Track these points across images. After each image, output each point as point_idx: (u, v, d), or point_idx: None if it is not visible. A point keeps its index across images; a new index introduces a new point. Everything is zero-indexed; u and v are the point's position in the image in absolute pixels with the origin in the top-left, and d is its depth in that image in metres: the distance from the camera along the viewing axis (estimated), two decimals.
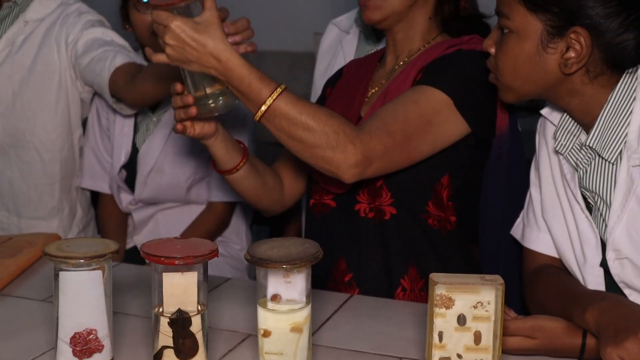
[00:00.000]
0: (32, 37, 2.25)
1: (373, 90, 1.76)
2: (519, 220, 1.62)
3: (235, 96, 1.54)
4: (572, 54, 1.34)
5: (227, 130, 1.75)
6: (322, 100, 1.90)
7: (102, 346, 1.17)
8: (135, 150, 2.31)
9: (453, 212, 1.70)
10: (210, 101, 1.56)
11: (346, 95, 1.80)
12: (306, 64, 2.47)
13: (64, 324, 1.16)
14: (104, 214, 2.44)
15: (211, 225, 2.33)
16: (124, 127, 2.30)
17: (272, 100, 1.44)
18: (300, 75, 3.57)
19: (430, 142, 1.59)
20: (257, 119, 1.46)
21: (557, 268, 1.51)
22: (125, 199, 2.37)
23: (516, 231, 1.62)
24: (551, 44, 1.36)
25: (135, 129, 2.33)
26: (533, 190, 1.57)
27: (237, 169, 1.69)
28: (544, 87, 1.41)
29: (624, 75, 1.37)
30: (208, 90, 1.55)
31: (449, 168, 1.66)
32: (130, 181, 2.33)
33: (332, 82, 1.92)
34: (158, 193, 2.30)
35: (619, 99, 1.37)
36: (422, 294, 1.67)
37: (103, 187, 2.40)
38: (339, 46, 2.36)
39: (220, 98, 1.57)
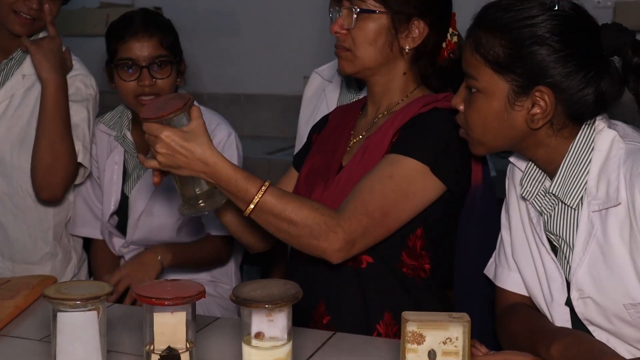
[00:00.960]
0: (31, 91, 2.24)
1: (355, 140, 1.77)
2: (491, 260, 1.64)
3: (223, 195, 1.59)
4: (537, 110, 1.38)
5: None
6: (308, 146, 1.92)
7: None
8: (124, 198, 2.31)
9: (427, 261, 1.70)
10: (200, 201, 1.62)
11: (330, 142, 1.81)
12: (297, 107, 2.52)
13: None
14: (96, 258, 2.42)
15: (206, 255, 2.32)
16: (113, 176, 2.30)
17: (258, 198, 1.50)
18: (291, 118, 3.62)
19: (409, 210, 1.61)
20: (247, 214, 1.53)
21: (526, 306, 1.53)
22: (117, 243, 2.36)
23: (489, 271, 1.64)
24: (517, 102, 1.40)
25: (125, 177, 2.33)
26: (504, 232, 1.60)
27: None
28: (512, 140, 1.45)
29: (583, 126, 1.41)
30: (197, 191, 1.62)
31: (423, 222, 1.66)
32: (121, 226, 2.33)
33: (318, 128, 1.93)
34: (149, 235, 2.28)
35: (579, 148, 1.41)
36: (397, 338, 1.61)
37: (95, 234, 2.40)
38: (322, 94, 2.38)
39: (209, 198, 1.63)
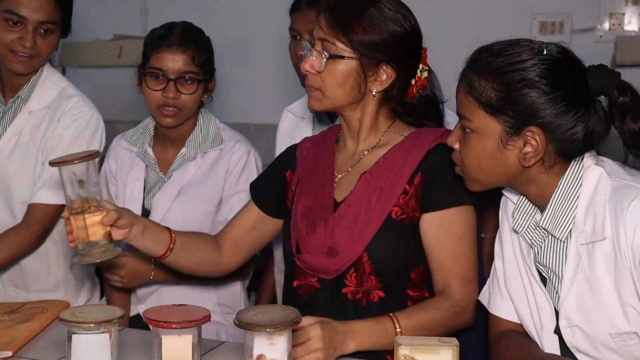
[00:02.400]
0: (39, 126, 2.25)
1: (340, 176, 1.76)
2: (485, 287, 1.66)
3: (116, 251, 1.64)
4: (529, 149, 1.40)
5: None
6: (284, 185, 1.87)
7: None
8: (145, 211, 2.27)
9: (426, 290, 1.71)
10: (95, 251, 1.63)
11: (315, 179, 1.78)
12: None
13: None
14: (109, 283, 2.34)
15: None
16: (134, 191, 2.30)
17: (399, 330, 1.54)
18: None
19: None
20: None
21: (518, 333, 1.55)
22: None
23: (483, 297, 1.65)
24: (510, 141, 1.41)
25: (145, 191, 2.31)
26: (497, 261, 1.62)
27: (165, 256, 1.77)
28: (506, 178, 1.47)
29: (572, 162, 1.43)
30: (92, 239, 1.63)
31: (426, 258, 1.69)
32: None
33: (290, 166, 1.87)
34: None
35: (568, 184, 1.43)
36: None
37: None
38: (295, 130, 2.43)
39: (105, 251, 1.64)
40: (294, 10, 2.23)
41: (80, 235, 1.61)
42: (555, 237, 1.46)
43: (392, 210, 1.67)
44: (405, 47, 1.68)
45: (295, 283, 1.76)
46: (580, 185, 1.44)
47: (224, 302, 2.34)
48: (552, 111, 1.39)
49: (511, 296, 1.58)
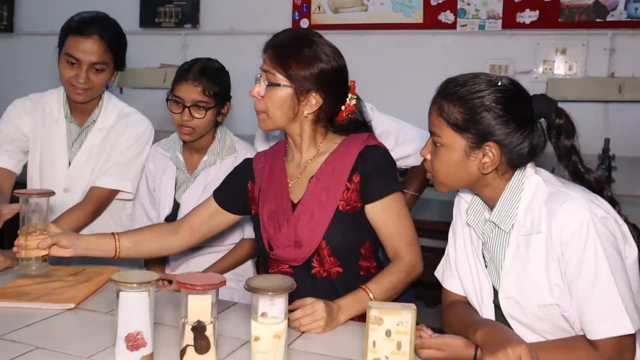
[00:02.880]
0: (107, 139, 2.26)
1: (292, 182, 1.74)
2: (439, 266, 1.67)
3: (47, 269, 1.72)
4: (487, 160, 1.41)
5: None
6: (245, 192, 1.84)
7: (146, 343, 1.24)
8: (176, 204, 2.28)
9: (374, 260, 1.76)
10: (34, 267, 1.72)
11: (273, 188, 1.76)
12: None
13: (121, 328, 1.23)
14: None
15: (238, 256, 2.32)
16: (167, 187, 2.30)
17: (371, 297, 1.60)
18: None
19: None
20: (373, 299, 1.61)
21: (463, 303, 1.57)
22: None
23: (438, 273, 1.67)
24: (472, 154, 1.42)
25: (176, 187, 2.31)
26: (450, 247, 1.63)
27: (116, 256, 1.79)
28: (468, 182, 1.47)
29: (517, 171, 1.45)
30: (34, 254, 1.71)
31: (369, 234, 1.72)
32: None
33: (250, 177, 1.84)
34: None
35: (513, 188, 1.45)
36: (363, 322, 1.65)
37: None
38: (270, 135, 2.40)
39: (42, 268, 1.73)
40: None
41: (20, 252, 1.71)
42: (501, 229, 1.46)
43: (339, 205, 1.67)
44: (331, 80, 1.67)
45: (270, 271, 1.77)
46: (522, 189, 1.45)
47: (237, 272, 2.36)
48: (505, 130, 1.40)
49: (460, 275, 1.59)
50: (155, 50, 4.49)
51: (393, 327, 1.22)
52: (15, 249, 1.73)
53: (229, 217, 1.86)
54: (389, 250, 1.70)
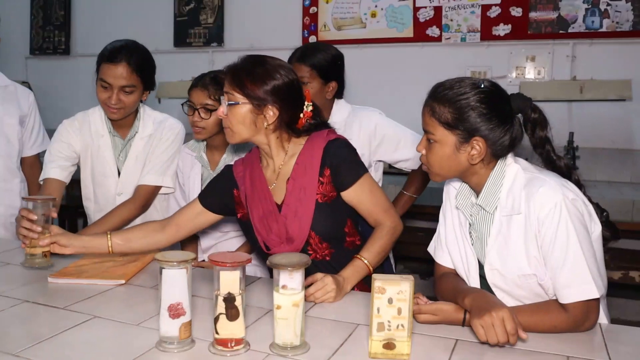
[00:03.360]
0: (149, 145, 2.22)
1: (272, 186, 1.68)
2: (432, 243, 1.64)
3: (47, 263, 1.77)
4: (474, 152, 1.39)
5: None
6: (232, 198, 1.75)
7: (185, 312, 1.23)
8: None
9: (357, 234, 1.72)
10: (38, 261, 1.77)
11: (257, 194, 1.69)
12: None
13: (164, 299, 1.23)
14: (184, 239, 2.35)
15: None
16: (195, 183, 2.27)
17: (366, 262, 1.61)
18: None
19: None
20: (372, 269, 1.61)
21: (453, 274, 1.56)
22: None
23: (430, 249, 1.65)
24: (461, 148, 1.40)
25: (202, 183, 2.26)
26: (440, 228, 1.61)
27: (110, 252, 1.74)
28: (458, 172, 1.45)
29: (499, 161, 1.44)
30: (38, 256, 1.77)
31: (348, 213, 1.68)
32: None
33: (234, 185, 1.75)
34: (218, 223, 2.13)
35: (496, 175, 1.43)
36: (366, 291, 1.62)
37: None
38: None
39: (38, 261, 1.78)
40: (288, 62, 2.14)
41: (26, 248, 1.78)
42: (486, 210, 1.45)
43: (317, 198, 1.63)
44: (284, 93, 1.59)
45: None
46: (504, 176, 1.43)
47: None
48: (489, 126, 1.38)
49: (449, 251, 1.57)
50: (186, 66, 4.48)
51: (394, 295, 1.21)
52: (22, 245, 1.78)
53: (212, 217, 1.78)
54: (371, 220, 1.68)
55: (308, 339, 1.28)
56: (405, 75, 3.93)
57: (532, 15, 3.69)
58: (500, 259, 1.42)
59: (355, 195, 1.64)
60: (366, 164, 2.20)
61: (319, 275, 1.56)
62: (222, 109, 1.61)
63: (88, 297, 1.56)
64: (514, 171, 1.43)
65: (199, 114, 2.13)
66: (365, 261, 1.61)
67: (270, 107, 1.59)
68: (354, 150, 1.68)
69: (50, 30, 5.00)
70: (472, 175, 1.46)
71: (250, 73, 1.58)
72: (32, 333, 1.32)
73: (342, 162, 1.63)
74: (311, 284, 1.55)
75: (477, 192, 1.48)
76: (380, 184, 2.35)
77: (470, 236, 1.51)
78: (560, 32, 3.64)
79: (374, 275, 1.22)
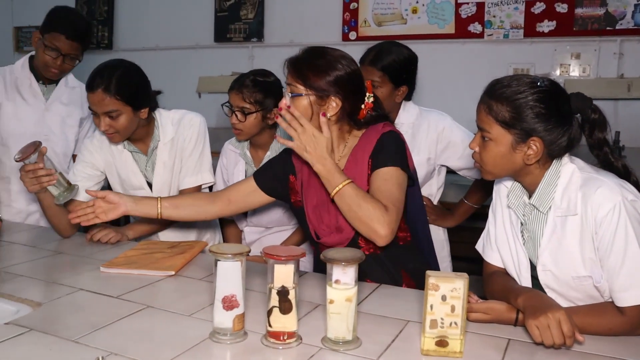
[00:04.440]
0: (174, 148, 2.17)
1: None
2: (480, 240, 1.61)
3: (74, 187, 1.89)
4: (531, 152, 1.35)
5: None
6: (287, 183, 1.75)
7: (239, 304, 1.24)
8: None
9: (407, 230, 1.69)
10: (66, 193, 1.89)
11: (313, 185, 1.67)
12: None
13: (219, 291, 1.23)
14: (227, 232, 2.44)
15: (303, 235, 2.23)
16: (239, 178, 2.27)
17: (342, 186, 1.50)
18: None
19: (403, 194, 1.58)
20: (331, 197, 1.53)
21: (503, 272, 1.53)
22: (241, 223, 2.37)
23: (478, 247, 1.62)
24: (518, 148, 1.36)
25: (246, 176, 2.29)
26: (490, 226, 1.57)
27: (159, 215, 1.76)
28: (512, 171, 1.41)
29: (554, 161, 1.40)
30: (63, 189, 1.88)
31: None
32: (244, 212, 2.24)
33: (291, 170, 1.75)
34: (262, 217, 2.29)
35: (551, 175, 1.39)
36: (411, 284, 1.66)
37: (229, 217, 2.36)
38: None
39: (69, 191, 1.90)
40: (360, 63, 2.13)
41: (51, 188, 1.89)
42: (539, 211, 1.42)
43: (367, 190, 1.59)
44: (346, 83, 1.58)
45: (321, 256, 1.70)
46: (559, 176, 1.40)
47: (303, 247, 2.30)
48: (547, 126, 1.34)
49: (499, 250, 1.54)
50: (227, 61, 4.52)
51: (448, 292, 1.19)
52: (72, 219, 1.81)
53: (264, 198, 1.78)
54: None
55: (359, 334, 1.27)
56: (446, 73, 3.88)
57: (578, 11, 3.61)
58: (553, 260, 1.39)
59: (372, 180, 1.58)
60: (431, 168, 2.20)
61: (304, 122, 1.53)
62: (285, 101, 1.60)
63: (140, 287, 1.58)
64: (569, 171, 1.39)
65: (236, 116, 2.13)
66: (339, 184, 1.51)
67: (333, 98, 1.58)
68: (402, 144, 1.64)
69: (94, 25, 5.09)
70: (527, 175, 1.42)
71: (312, 64, 1.58)
72: (88, 321, 1.35)
73: (382, 149, 1.60)
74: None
75: (531, 191, 1.44)
76: (441, 191, 2.33)
77: (522, 236, 1.47)
78: (608, 28, 3.56)
79: (428, 272, 1.22)
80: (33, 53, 2.44)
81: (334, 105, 1.59)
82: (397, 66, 2.13)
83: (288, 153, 1.78)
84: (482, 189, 2.25)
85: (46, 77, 2.40)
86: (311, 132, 1.52)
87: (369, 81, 1.69)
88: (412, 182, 1.66)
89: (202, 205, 1.81)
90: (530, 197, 1.45)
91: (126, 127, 1.99)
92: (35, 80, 2.44)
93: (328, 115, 1.58)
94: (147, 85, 2.07)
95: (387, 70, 2.11)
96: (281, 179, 1.76)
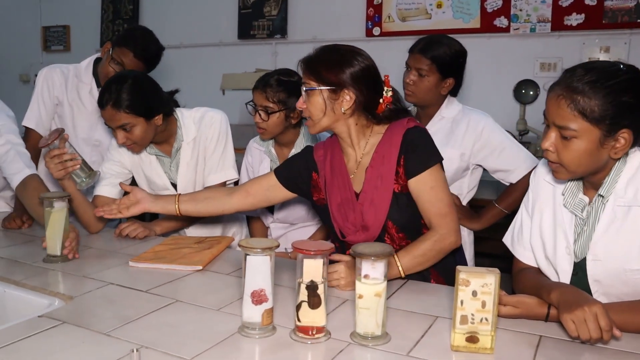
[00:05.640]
0: (197, 147, 2.17)
1: (352, 175, 1.67)
2: (509, 233, 1.56)
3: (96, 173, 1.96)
4: (619, 145, 1.26)
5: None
6: (309, 181, 1.75)
7: (268, 299, 1.24)
8: None
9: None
10: (89, 179, 1.96)
11: (336, 182, 1.68)
12: None
13: (248, 285, 1.23)
14: (254, 228, 2.46)
15: (329, 231, 2.20)
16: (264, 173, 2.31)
17: (400, 267, 1.55)
18: None
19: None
20: (404, 275, 1.56)
21: (534, 269, 1.49)
22: (267, 219, 2.39)
23: (506, 240, 1.56)
24: (606, 142, 1.26)
25: None
26: (524, 224, 1.51)
27: (177, 210, 1.77)
28: (596, 168, 1.31)
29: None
30: (84, 175, 1.95)
31: None
32: (270, 208, 2.31)
33: (313, 167, 1.75)
34: (288, 214, 2.30)
35: (619, 165, 1.32)
36: (440, 280, 1.67)
37: (253, 213, 2.41)
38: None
39: (90, 177, 1.96)
40: (409, 51, 2.14)
41: (74, 175, 1.94)
42: (602, 200, 1.35)
43: (394, 188, 1.60)
44: (360, 77, 1.57)
45: (347, 252, 1.64)
46: (626, 163, 1.32)
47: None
48: (637, 115, 1.25)
49: (533, 249, 1.49)
50: (251, 57, 4.54)
51: (478, 288, 1.17)
52: (99, 213, 1.84)
53: (285, 193, 1.78)
54: (426, 221, 1.61)
55: (388, 329, 1.27)
56: (471, 67, 3.81)
57: (608, 4, 3.53)
58: (607, 251, 1.33)
59: (416, 186, 1.58)
60: (463, 165, 2.16)
61: (344, 257, 1.56)
62: (301, 100, 1.61)
63: (168, 282, 1.60)
64: (638, 159, 1.32)
65: (260, 115, 2.14)
66: (399, 265, 1.56)
67: (347, 92, 1.57)
68: (431, 139, 1.63)
69: (120, 23, 5.15)
70: (603, 170, 1.33)
71: (324, 60, 1.58)
72: (119, 314, 1.36)
73: (416, 148, 1.59)
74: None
75: (596, 186, 1.35)
76: (473, 193, 2.29)
77: (574, 231, 1.40)
78: (638, 21, 3.48)
79: (459, 267, 1.20)
80: (99, 55, 2.47)
81: (347, 98, 1.58)
82: (447, 57, 2.12)
83: (310, 150, 1.78)
84: (516, 194, 2.17)
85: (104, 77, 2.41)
86: (338, 272, 1.54)
87: (387, 75, 1.69)
88: None
89: (218, 197, 1.81)
90: (588, 190, 1.38)
91: (142, 137, 2.00)
92: (96, 86, 2.47)
93: (343, 109, 1.58)
94: (157, 92, 2.06)
95: (436, 60, 2.11)
96: (303, 175, 1.76)
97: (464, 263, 1.84)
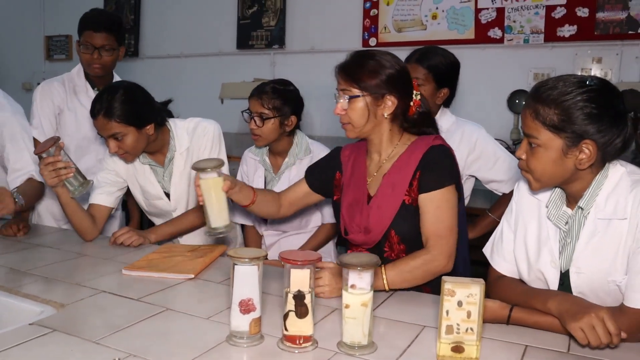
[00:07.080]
0: (190, 157, 2.15)
1: (370, 179, 1.68)
2: (489, 243, 1.54)
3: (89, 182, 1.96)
4: (583, 156, 1.27)
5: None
6: (332, 180, 1.77)
7: (256, 308, 1.23)
8: None
9: None
10: (81, 188, 1.95)
11: (353, 182, 1.70)
12: None
13: (236, 294, 1.23)
14: (248, 236, 2.45)
15: (321, 238, 2.30)
16: (259, 184, 2.29)
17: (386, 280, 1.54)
18: None
19: (456, 215, 1.57)
20: (387, 289, 1.54)
21: (514, 278, 1.47)
22: (261, 227, 2.40)
23: (486, 250, 1.55)
24: (569, 152, 1.27)
25: (265, 184, 2.30)
26: (506, 229, 1.49)
27: (249, 206, 1.73)
28: (563, 179, 1.32)
29: (606, 164, 1.32)
30: (77, 184, 1.94)
31: None
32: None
33: (338, 168, 1.77)
34: (281, 223, 2.29)
35: (600, 178, 1.32)
36: (434, 294, 1.59)
37: (248, 222, 2.42)
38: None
39: (84, 186, 1.97)
40: (406, 61, 2.12)
41: (67, 183, 1.95)
42: (582, 213, 1.34)
43: (405, 199, 1.60)
44: (398, 81, 1.59)
45: (349, 251, 1.71)
46: (606, 177, 1.32)
47: (322, 251, 2.33)
48: (601, 127, 1.24)
49: (517, 263, 1.47)
50: (249, 67, 4.54)
51: (464, 298, 1.17)
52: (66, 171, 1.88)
53: (316, 197, 1.83)
54: (423, 239, 1.58)
55: (375, 339, 1.26)
56: (466, 77, 3.81)
57: (600, 15, 3.54)
58: (590, 263, 1.33)
59: (425, 202, 1.57)
60: None
61: (328, 264, 1.56)
62: (340, 106, 1.60)
63: (160, 290, 1.59)
64: (618, 174, 1.32)
65: (255, 121, 2.15)
66: (384, 278, 1.54)
67: (389, 97, 1.59)
68: (453, 160, 1.61)
69: (118, 15, 5.16)
70: (576, 181, 1.33)
71: (364, 66, 1.58)
72: (109, 322, 1.36)
73: (434, 166, 1.58)
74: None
75: (577, 198, 1.35)
76: (467, 201, 2.28)
77: (559, 243, 1.40)
78: (630, 32, 3.49)
79: (444, 278, 1.20)
80: None
81: (389, 104, 1.60)
82: (443, 67, 2.15)
83: (339, 150, 1.81)
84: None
85: (94, 76, 2.47)
86: (323, 279, 1.54)
87: (414, 79, 1.69)
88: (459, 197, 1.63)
89: (274, 204, 1.83)
90: (570, 203, 1.38)
91: (134, 146, 2.00)
92: (91, 88, 2.52)
93: (385, 114, 1.60)
94: (149, 102, 2.05)
95: (432, 69, 2.13)
96: (328, 175, 1.79)
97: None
